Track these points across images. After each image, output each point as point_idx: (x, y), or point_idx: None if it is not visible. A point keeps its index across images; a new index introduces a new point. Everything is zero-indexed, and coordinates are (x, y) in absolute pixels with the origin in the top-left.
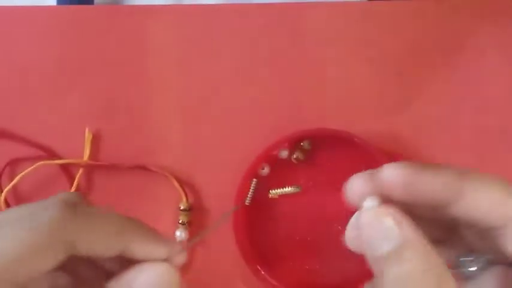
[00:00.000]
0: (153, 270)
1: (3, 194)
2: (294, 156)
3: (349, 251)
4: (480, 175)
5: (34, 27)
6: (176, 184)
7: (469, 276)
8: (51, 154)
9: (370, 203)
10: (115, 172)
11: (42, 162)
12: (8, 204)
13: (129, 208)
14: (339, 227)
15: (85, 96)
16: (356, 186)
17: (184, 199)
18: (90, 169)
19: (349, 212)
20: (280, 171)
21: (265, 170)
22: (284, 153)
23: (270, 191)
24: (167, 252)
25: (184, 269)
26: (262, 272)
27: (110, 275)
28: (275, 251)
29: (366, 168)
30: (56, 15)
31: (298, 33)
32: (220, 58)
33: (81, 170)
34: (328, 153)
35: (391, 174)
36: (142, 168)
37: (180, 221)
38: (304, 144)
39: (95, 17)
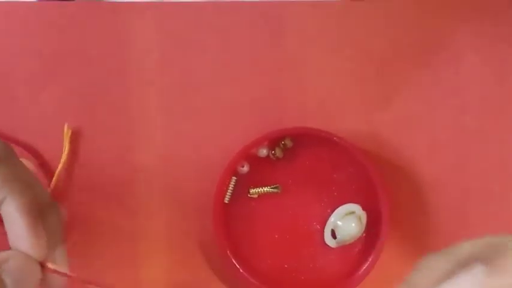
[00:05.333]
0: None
1: None
2: (272, 152)
3: (328, 248)
4: None
5: (15, 23)
6: None
7: None
8: (30, 150)
9: None
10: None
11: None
12: None
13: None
14: (318, 226)
15: (65, 92)
16: None
17: None
18: (70, 166)
19: (327, 210)
20: (260, 169)
21: (245, 168)
22: (263, 151)
23: (249, 191)
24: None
25: (163, 268)
26: (241, 270)
27: None
28: (254, 249)
29: (345, 167)
30: (37, 11)
31: (279, 31)
32: (201, 56)
33: (60, 167)
34: (308, 152)
35: None
36: None
37: None
38: (286, 141)
39: (76, 13)
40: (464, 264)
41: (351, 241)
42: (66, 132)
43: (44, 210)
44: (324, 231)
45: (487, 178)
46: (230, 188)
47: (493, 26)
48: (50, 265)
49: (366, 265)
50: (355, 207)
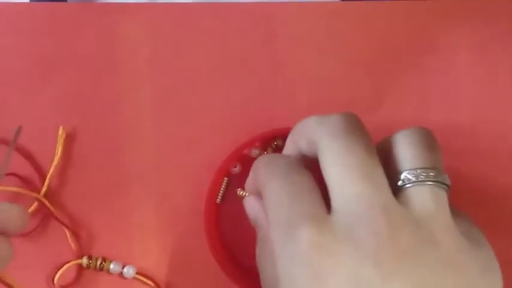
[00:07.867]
0: None
1: None
2: (265, 153)
3: None
4: None
5: (6, 25)
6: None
7: None
8: (23, 153)
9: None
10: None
11: None
12: None
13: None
14: None
15: (57, 94)
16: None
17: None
18: (63, 169)
19: None
20: None
21: (237, 169)
22: (256, 152)
23: (238, 191)
24: None
25: (153, 269)
26: (232, 270)
27: None
28: (246, 248)
29: None
30: (29, 12)
31: (270, 32)
32: (192, 57)
33: (51, 170)
34: None
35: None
36: None
37: None
38: (278, 141)
39: (67, 14)
40: None
41: None
42: (61, 135)
43: None
44: None
45: (479, 179)
46: (222, 188)
47: (485, 26)
48: None
49: None
50: None
